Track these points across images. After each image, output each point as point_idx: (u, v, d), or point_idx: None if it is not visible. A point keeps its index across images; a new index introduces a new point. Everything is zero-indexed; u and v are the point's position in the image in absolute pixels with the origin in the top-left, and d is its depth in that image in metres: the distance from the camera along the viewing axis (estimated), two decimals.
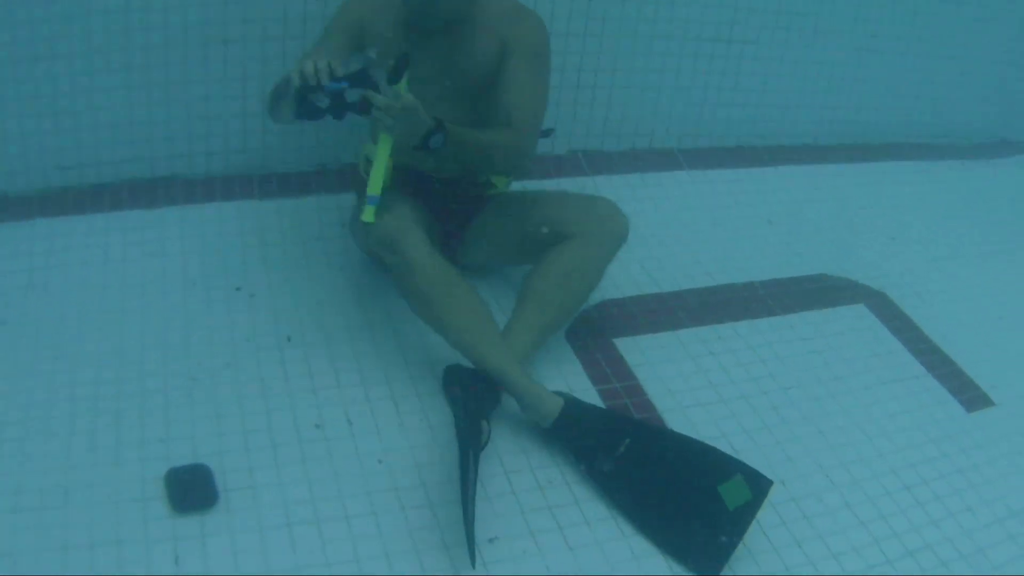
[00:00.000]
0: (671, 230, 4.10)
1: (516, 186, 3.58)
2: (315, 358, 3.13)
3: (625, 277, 3.71)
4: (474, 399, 2.90)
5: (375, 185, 2.93)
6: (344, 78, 2.72)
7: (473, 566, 2.51)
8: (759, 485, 2.74)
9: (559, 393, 2.95)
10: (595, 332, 3.44)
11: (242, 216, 3.74)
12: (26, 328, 3.13)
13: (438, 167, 3.21)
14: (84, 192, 3.71)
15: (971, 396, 3.51)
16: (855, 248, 4.26)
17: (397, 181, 3.26)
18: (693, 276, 3.87)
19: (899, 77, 5.06)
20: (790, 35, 4.64)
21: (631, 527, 2.75)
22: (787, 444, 3.09)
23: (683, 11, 4.30)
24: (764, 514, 2.75)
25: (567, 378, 3.18)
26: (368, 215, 2.93)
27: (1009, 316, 4.03)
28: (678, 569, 2.67)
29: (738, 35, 4.51)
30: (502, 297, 3.36)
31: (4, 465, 2.63)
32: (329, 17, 3.30)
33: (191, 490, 2.62)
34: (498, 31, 3.16)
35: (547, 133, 3.50)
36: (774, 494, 2.77)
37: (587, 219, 3.22)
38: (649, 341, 3.47)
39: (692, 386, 3.28)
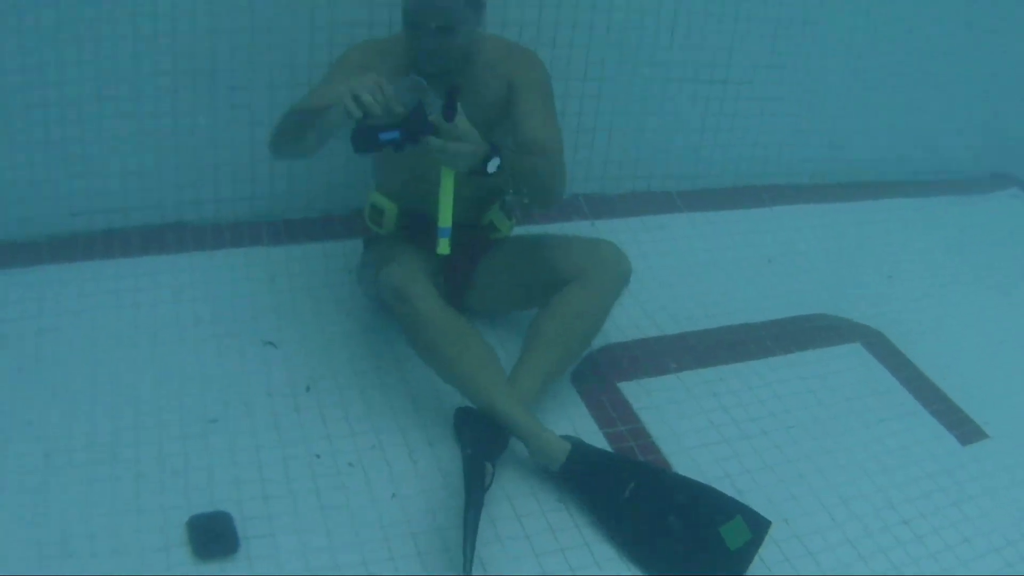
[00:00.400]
0: (672, 272, 4.16)
1: (518, 230, 3.65)
2: (328, 406, 3.19)
3: (628, 321, 3.77)
4: (480, 441, 2.96)
5: (445, 218, 2.94)
6: (400, 124, 2.80)
7: None
8: (758, 525, 2.82)
9: (566, 437, 3.02)
10: (600, 376, 3.50)
11: (251, 263, 3.80)
12: (42, 374, 3.18)
13: (493, 190, 3.28)
14: (95, 238, 3.76)
15: (966, 430, 3.57)
16: (852, 286, 4.33)
17: (402, 228, 3.37)
18: (695, 318, 3.93)
19: (892, 115, 5.13)
20: (784, 75, 4.71)
21: (638, 568, 2.81)
22: (789, 482, 3.15)
23: (680, 54, 4.38)
24: (768, 552, 2.85)
25: (574, 422, 3.25)
26: (443, 247, 2.93)
27: (1003, 350, 4.10)
28: None
29: (734, 76, 4.59)
30: (508, 342, 3.41)
31: (26, 515, 2.68)
32: (331, 65, 3.36)
33: (213, 537, 2.68)
34: (502, 71, 3.23)
35: None
36: (778, 532, 2.87)
37: (590, 262, 3.28)
38: (653, 384, 3.53)
39: (695, 427, 3.35)
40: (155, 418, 3.07)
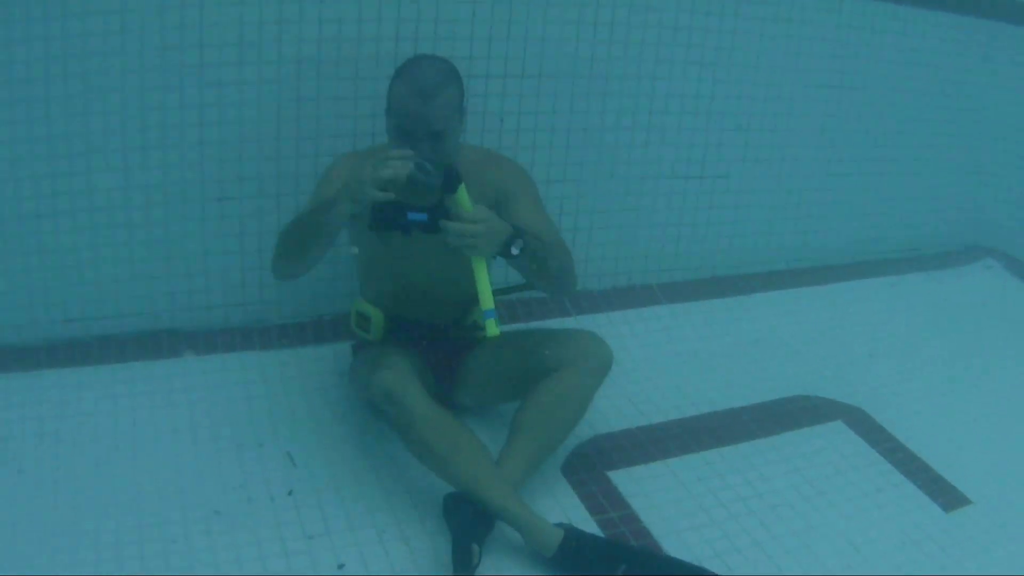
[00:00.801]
0: (655, 363, 4.25)
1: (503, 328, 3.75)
2: (327, 504, 3.24)
3: (614, 411, 3.86)
4: (466, 525, 3.05)
5: (487, 301, 2.99)
6: (428, 208, 2.94)
7: None
8: None
9: (559, 525, 3.10)
10: (589, 466, 3.57)
11: (245, 367, 3.88)
12: (43, 477, 3.24)
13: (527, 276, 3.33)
14: (90, 343, 3.83)
15: (949, 498, 3.64)
16: (832, 367, 4.42)
17: (390, 331, 3.46)
18: (679, 406, 4.01)
19: (865, 198, 5.27)
20: (757, 168, 4.85)
21: None
22: (778, 558, 3.21)
23: (656, 151, 4.52)
24: None
25: (566, 511, 3.31)
26: (492, 328, 2.98)
27: (982, 420, 4.17)
28: None
29: (710, 171, 4.72)
30: (498, 435, 3.45)
31: None
32: (318, 176, 3.47)
33: None
34: (490, 179, 3.34)
35: (526, 285, 3.68)
36: None
37: (573, 351, 3.36)
38: (641, 471, 3.60)
39: (684, 511, 3.41)
40: (157, 516, 3.13)
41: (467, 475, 3.13)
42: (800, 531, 3.37)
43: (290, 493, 3.31)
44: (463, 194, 2.97)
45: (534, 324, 4.18)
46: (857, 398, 4.18)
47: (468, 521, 3.07)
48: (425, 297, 3.49)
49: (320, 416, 3.71)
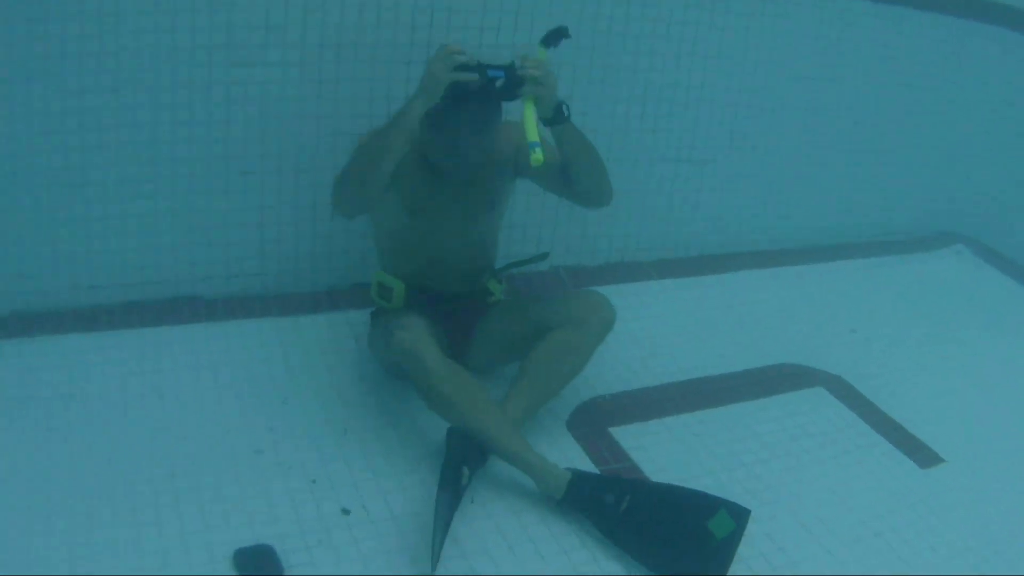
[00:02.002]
0: (648, 334, 4.45)
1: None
2: (351, 455, 3.44)
3: (613, 375, 4.07)
4: (461, 450, 3.31)
5: (533, 134, 3.24)
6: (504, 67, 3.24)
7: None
8: (740, 515, 3.19)
9: (566, 469, 3.35)
10: (592, 423, 3.80)
11: (263, 332, 4.05)
12: (73, 434, 3.36)
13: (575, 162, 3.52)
14: (114, 309, 3.97)
15: (924, 456, 3.91)
16: (812, 340, 4.65)
17: (410, 300, 3.68)
18: (672, 372, 4.23)
19: (844, 185, 5.53)
20: (743, 154, 5.09)
21: (644, 569, 3.15)
22: (769, 504, 3.43)
23: (649, 137, 4.76)
24: (754, 560, 3.23)
25: (572, 461, 3.48)
26: (537, 157, 3.19)
27: (953, 388, 4.45)
28: None
29: (698, 156, 4.96)
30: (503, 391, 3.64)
31: (80, 558, 2.87)
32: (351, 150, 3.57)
33: (259, 567, 2.92)
34: (508, 152, 3.60)
35: (543, 256, 3.98)
36: (760, 543, 3.25)
37: (579, 308, 3.62)
38: (640, 428, 3.83)
39: (680, 462, 3.64)
40: (189, 464, 3.29)
41: (483, 423, 3.35)
42: (788, 482, 3.61)
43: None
44: (542, 52, 3.30)
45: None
46: (837, 368, 4.42)
47: (463, 447, 3.33)
48: (444, 268, 3.71)
49: (338, 376, 3.86)
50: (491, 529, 3.24)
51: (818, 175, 5.42)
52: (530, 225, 4.60)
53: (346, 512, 3.23)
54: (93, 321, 3.91)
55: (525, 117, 3.27)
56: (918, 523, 3.55)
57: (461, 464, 3.28)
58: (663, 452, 3.71)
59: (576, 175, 3.54)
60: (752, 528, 3.22)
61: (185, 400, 3.64)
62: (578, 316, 3.60)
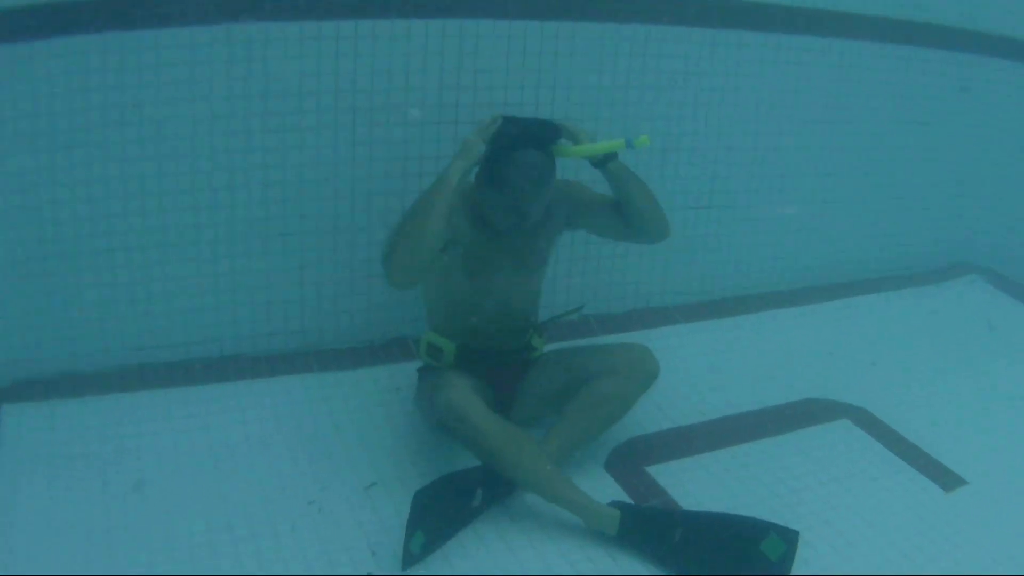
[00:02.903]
0: (676, 376, 4.45)
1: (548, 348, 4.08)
2: (403, 506, 3.38)
3: (645, 418, 4.15)
4: (479, 474, 3.52)
5: (604, 147, 3.60)
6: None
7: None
8: (789, 536, 3.33)
9: (613, 504, 3.49)
10: (629, 462, 3.93)
11: (307, 387, 4.16)
12: (126, 487, 3.49)
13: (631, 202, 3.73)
14: (160, 369, 4.09)
15: (948, 480, 4.02)
16: (835, 374, 4.76)
17: (459, 360, 3.80)
18: (703, 412, 4.35)
19: (858, 222, 5.64)
20: (760, 198, 5.22)
21: None
22: (804, 532, 3.44)
23: (670, 185, 4.84)
24: None
25: (612, 499, 3.59)
26: (643, 140, 3.56)
27: (972, 414, 4.55)
28: None
29: (716, 201, 5.09)
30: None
31: None
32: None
33: None
34: (560, 209, 3.76)
35: (580, 308, 4.13)
36: (798, 569, 3.34)
37: (625, 360, 3.76)
38: (675, 466, 3.95)
39: (716, 497, 3.74)
40: (245, 518, 3.41)
41: (532, 476, 3.49)
42: (820, 510, 3.72)
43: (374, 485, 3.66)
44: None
45: (566, 346, 4.44)
46: (861, 400, 4.53)
47: (483, 473, 3.52)
48: (497, 326, 3.82)
49: (381, 429, 4.00)
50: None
51: (833, 215, 5.54)
52: (559, 276, 4.72)
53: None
54: (141, 381, 4.03)
55: (585, 150, 3.57)
56: (943, 543, 3.66)
57: (476, 485, 3.45)
58: (699, 488, 3.83)
59: (632, 210, 3.70)
60: None
61: (236, 455, 3.76)
62: (623, 367, 3.74)
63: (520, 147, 3.48)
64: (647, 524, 3.44)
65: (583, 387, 3.71)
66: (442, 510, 3.36)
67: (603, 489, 3.72)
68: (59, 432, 3.73)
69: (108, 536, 3.26)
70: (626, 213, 3.71)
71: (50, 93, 3.66)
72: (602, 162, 3.62)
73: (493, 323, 3.79)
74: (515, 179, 3.48)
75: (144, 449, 3.71)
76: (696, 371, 4.69)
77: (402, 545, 3.22)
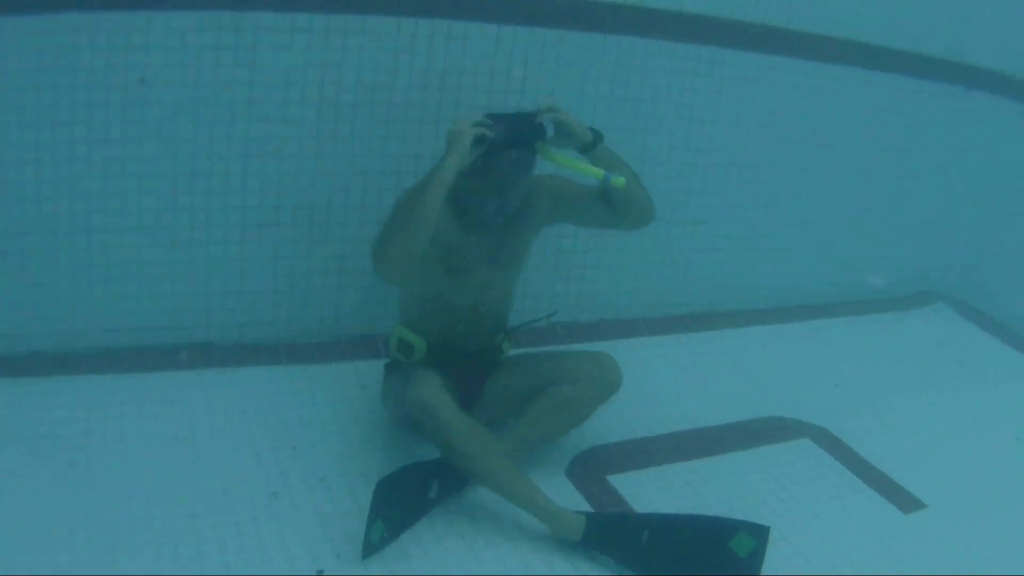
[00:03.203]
0: (641, 387, 4.50)
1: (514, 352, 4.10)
2: (363, 499, 3.40)
3: (608, 428, 4.18)
4: (435, 466, 3.57)
5: (594, 169, 3.58)
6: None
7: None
8: (759, 532, 3.38)
9: (578, 512, 3.50)
10: (591, 471, 3.95)
11: (275, 379, 4.18)
12: (94, 472, 3.48)
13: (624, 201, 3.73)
14: (129, 352, 4.10)
15: (906, 501, 4.07)
16: (798, 393, 4.81)
17: (429, 358, 3.81)
18: (665, 424, 4.38)
19: (829, 246, 5.69)
20: (734, 214, 5.26)
21: None
22: None
23: None
24: None
25: (573, 507, 3.60)
26: (619, 180, 3.53)
27: (932, 438, 4.63)
28: None
29: (691, 216, 5.12)
30: None
31: None
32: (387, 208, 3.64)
33: None
34: (539, 204, 3.78)
35: (552, 315, 4.19)
36: None
37: (589, 368, 3.77)
38: (636, 476, 3.97)
39: (675, 508, 3.75)
40: (208, 506, 3.41)
41: (495, 472, 3.51)
42: (779, 526, 3.67)
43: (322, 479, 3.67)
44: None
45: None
46: (822, 420, 4.58)
47: (440, 466, 3.55)
48: (469, 325, 3.84)
49: (344, 422, 4.01)
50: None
51: (805, 237, 5.60)
52: (530, 282, 4.70)
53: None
54: (109, 363, 4.04)
55: (567, 163, 3.59)
56: (901, 565, 3.69)
57: (432, 477, 3.48)
58: (660, 499, 3.85)
59: (618, 194, 3.68)
60: None
61: (200, 443, 3.76)
62: (587, 375, 3.76)
63: (506, 150, 3.50)
64: (614, 527, 3.47)
65: (544, 391, 3.73)
66: (401, 500, 3.38)
67: (564, 496, 3.73)
68: (27, 410, 3.73)
69: (69, 518, 3.25)
70: (613, 197, 3.70)
71: (35, 68, 3.64)
72: (589, 147, 3.65)
73: (466, 322, 3.81)
74: (497, 164, 3.51)
75: (109, 433, 3.70)
76: (661, 384, 4.73)
77: (362, 536, 3.24)
